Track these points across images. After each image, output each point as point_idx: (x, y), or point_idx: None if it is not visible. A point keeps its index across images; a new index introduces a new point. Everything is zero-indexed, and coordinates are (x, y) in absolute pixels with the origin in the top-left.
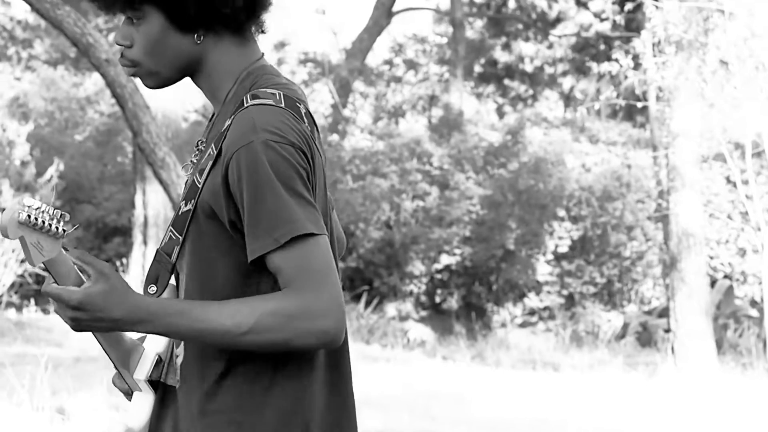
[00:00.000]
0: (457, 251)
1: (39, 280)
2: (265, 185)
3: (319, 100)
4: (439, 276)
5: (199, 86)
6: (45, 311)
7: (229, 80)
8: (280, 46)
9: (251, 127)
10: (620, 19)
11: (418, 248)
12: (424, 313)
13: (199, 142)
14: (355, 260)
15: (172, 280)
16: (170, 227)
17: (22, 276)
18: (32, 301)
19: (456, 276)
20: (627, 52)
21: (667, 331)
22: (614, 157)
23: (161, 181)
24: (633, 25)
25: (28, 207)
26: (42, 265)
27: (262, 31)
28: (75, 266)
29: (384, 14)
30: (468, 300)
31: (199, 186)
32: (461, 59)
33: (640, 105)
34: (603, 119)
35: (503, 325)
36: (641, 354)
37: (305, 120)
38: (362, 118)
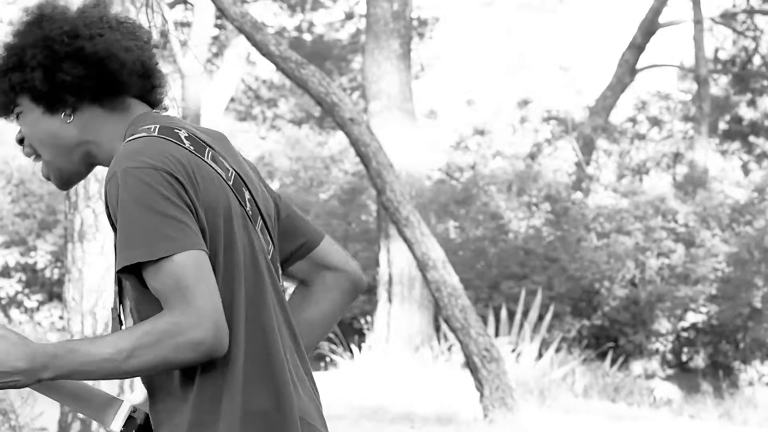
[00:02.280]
0: (703, 309)
1: None
2: (127, 211)
3: (563, 158)
4: (685, 334)
5: (105, 165)
6: None
7: (119, 143)
8: (523, 103)
9: (116, 160)
10: None
11: (663, 306)
12: (670, 371)
13: None
14: (600, 318)
15: None
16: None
17: None
18: None
19: (702, 334)
20: None
21: None
22: None
23: (406, 240)
24: None
25: None
26: None
27: (151, 102)
28: None
29: (628, 71)
30: (715, 358)
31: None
32: (706, 116)
33: None
34: None
35: (750, 383)
36: None
37: (186, 142)
38: (606, 176)
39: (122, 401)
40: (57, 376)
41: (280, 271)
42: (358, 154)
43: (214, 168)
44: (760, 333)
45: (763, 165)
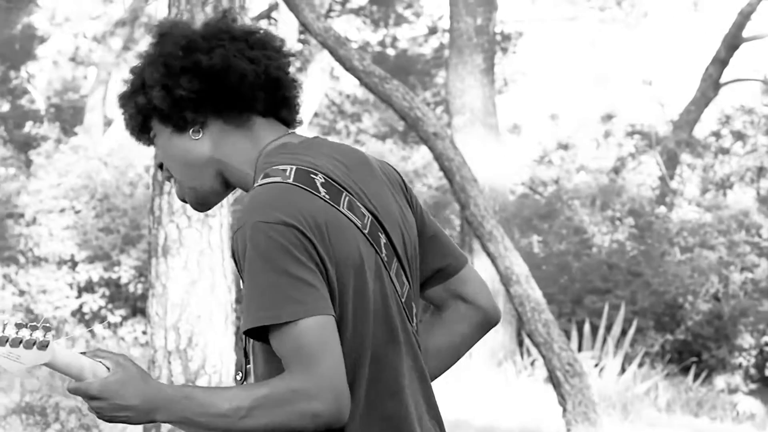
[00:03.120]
0: None
1: None
2: (255, 270)
3: (647, 172)
4: None
5: (236, 186)
6: None
7: (249, 168)
8: (607, 118)
9: (247, 209)
10: None
11: (747, 321)
12: (753, 386)
13: None
14: (683, 333)
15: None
16: None
17: None
18: None
19: None
20: None
21: None
22: None
23: (489, 254)
24: None
25: None
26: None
27: (283, 117)
28: (93, 361)
29: (711, 86)
30: None
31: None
32: None
33: None
34: None
35: None
36: None
37: (321, 190)
38: (690, 190)
39: None
40: (168, 421)
41: (416, 309)
42: (442, 168)
43: (348, 218)
44: None
45: None
